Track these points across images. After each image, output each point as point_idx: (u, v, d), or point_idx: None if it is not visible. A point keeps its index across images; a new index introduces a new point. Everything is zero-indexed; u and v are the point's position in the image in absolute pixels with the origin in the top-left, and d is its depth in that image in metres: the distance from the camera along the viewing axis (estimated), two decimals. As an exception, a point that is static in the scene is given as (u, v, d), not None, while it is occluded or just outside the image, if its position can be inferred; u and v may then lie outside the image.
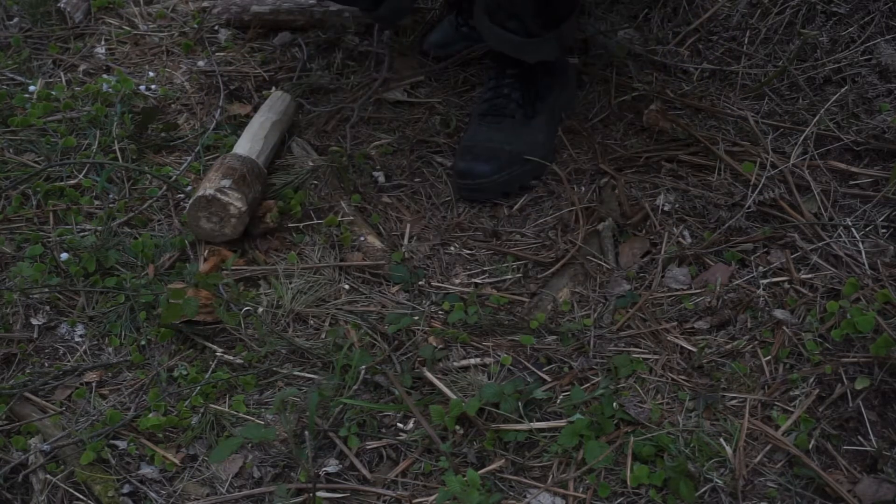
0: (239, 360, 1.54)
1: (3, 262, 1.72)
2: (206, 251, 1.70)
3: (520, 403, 1.42)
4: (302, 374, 1.52)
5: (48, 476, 1.39)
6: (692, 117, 1.95)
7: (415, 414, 1.43)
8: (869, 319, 1.45)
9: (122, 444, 1.43)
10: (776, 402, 1.43)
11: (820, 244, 1.65)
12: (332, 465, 1.39)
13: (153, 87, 2.14)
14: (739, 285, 1.61)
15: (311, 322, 1.60)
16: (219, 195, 1.66)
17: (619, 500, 1.33)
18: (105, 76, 2.15)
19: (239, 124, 2.01)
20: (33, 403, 1.50)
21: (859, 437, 1.38)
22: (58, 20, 2.35)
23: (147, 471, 1.40)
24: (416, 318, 1.59)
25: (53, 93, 2.08)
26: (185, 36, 2.31)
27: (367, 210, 1.82)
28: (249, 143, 1.83)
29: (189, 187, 1.86)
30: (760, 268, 1.64)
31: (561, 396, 1.46)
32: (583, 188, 1.83)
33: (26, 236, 1.76)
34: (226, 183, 1.68)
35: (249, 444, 1.42)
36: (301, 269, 1.68)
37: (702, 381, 1.48)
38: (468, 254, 1.73)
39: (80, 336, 1.61)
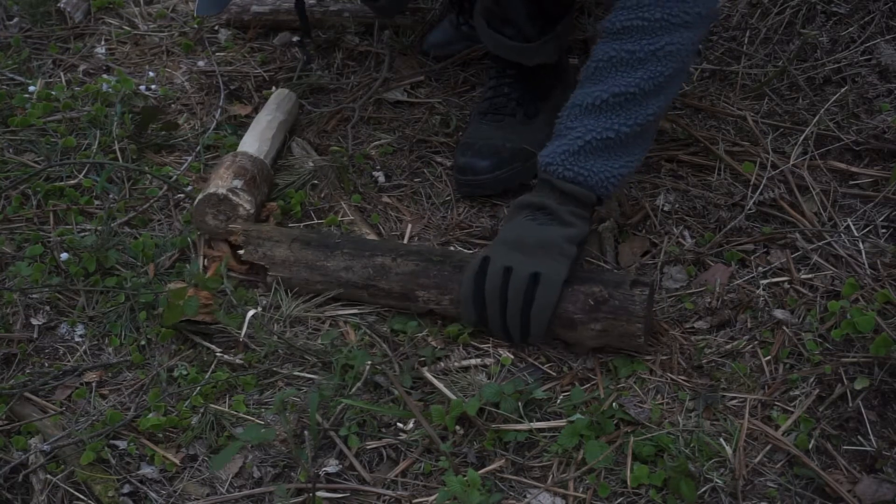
0: (239, 360, 1.54)
1: (3, 262, 1.72)
2: (206, 259, 1.70)
3: (520, 403, 1.42)
4: (302, 374, 1.52)
5: (48, 476, 1.39)
6: (692, 117, 1.95)
7: (415, 414, 1.43)
8: (869, 319, 1.45)
9: (122, 444, 1.43)
10: (776, 402, 1.43)
11: (820, 244, 1.65)
12: (332, 465, 1.39)
13: (153, 87, 2.14)
14: (739, 285, 1.61)
15: (311, 323, 1.60)
16: (230, 196, 1.66)
17: (619, 500, 1.33)
18: (105, 76, 2.15)
19: (239, 124, 2.01)
20: (33, 403, 1.50)
21: (859, 437, 1.38)
22: (58, 20, 2.35)
23: (147, 471, 1.40)
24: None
25: (53, 93, 2.08)
26: (185, 36, 2.31)
27: (367, 210, 1.82)
28: (258, 143, 1.83)
29: (189, 187, 1.85)
30: (760, 268, 1.64)
31: (561, 396, 1.46)
32: (583, 188, 1.82)
33: (26, 236, 1.76)
34: (237, 183, 1.68)
35: (249, 444, 1.42)
36: (301, 269, 1.68)
37: (702, 381, 1.47)
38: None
39: (80, 336, 1.61)
